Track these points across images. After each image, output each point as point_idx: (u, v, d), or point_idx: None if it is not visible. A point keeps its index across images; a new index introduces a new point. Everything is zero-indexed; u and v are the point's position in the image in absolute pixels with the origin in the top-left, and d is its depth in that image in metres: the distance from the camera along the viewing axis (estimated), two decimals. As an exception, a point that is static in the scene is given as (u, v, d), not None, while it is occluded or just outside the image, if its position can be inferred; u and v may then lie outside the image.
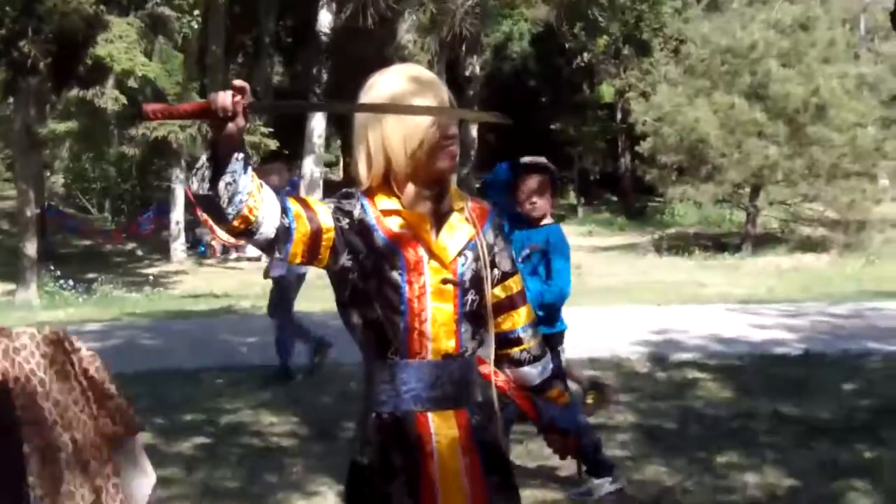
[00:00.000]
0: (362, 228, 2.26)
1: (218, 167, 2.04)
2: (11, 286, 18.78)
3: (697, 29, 25.94)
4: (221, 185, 2.04)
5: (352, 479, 2.35)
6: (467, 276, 2.32)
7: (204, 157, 2.07)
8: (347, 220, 2.26)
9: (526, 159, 4.72)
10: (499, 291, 2.42)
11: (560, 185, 4.82)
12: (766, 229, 24.78)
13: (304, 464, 5.60)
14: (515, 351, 2.47)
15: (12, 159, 19.18)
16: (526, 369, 2.49)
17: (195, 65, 26.11)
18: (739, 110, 22.50)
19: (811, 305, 12.35)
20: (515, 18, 34.90)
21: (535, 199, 4.60)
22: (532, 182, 4.61)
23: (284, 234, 2.17)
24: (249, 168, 2.08)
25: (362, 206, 2.28)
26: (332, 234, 2.23)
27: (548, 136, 32.96)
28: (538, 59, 36.09)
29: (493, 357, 2.42)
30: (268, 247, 2.19)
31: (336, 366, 8.22)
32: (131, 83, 20.35)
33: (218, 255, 24.97)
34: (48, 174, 30.00)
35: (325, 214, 2.24)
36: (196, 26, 22.60)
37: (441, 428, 2.28)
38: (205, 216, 2.63)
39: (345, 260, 2.26)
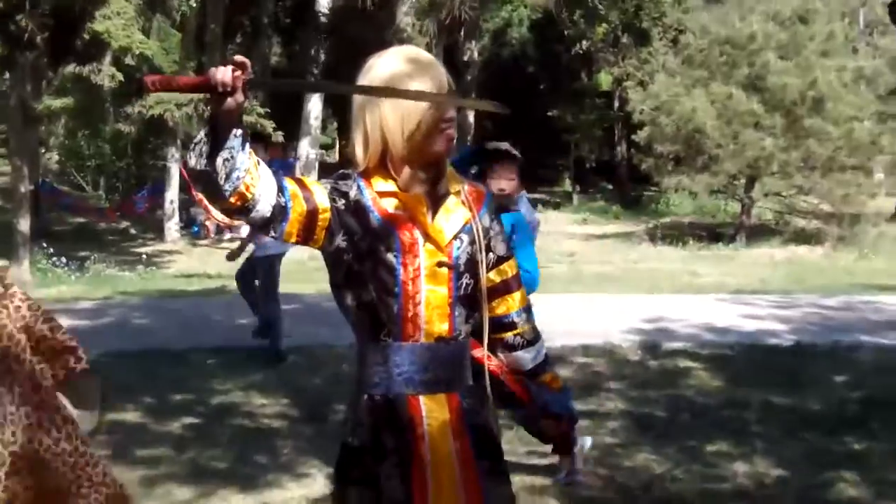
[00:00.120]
0: (358, 210, 2.26)
1: (216, 143, 2.03)
2: (4, 262, 18.71)
3: (696, 19, 25.89)
4: (219, 160, 2.03)
5: (342, 460, 2.35)
6: (462, 260, 2.31)
7: (202, 133, 2.06)
8: (343, 201, 2.25)
9: (491, 145, 4.68)
10: (493, 275, 2.42)
11: (524, 171, 4.76)
12: (760, 220, 24.80)
13: (294, 445, 5.61)
14: (509, 335, 2.47)
15: (7, 135, 19.08)
16: (519, 354, 2.49)
17: (193, 43, 25.95)
18: (737, 101, 22.48)
19: (804, 297, 12.37)
20: (515, 4, 34.77)
21: (502, 185, 4.55)
22: (499, 168, 4.56)
23: (280, 212, 2.16)
24: (247, 145, 2.08)
25: (359, 187, 2.28)
26: (328, 215, 2.23)
27: (545, 122, 32.87)
28: (537, 46, 35.96)
29: (486, 341, 2.41)
30: (263, 225, 2.18)
31: (328, 347, 8.23)
32: (128, 60, 20.25)
33: (212, 235, 24.87)
34: (43, 151, 29.84)
35: (321, 195, 2.24)
36: (194, 5, 22.49)
37: (433, 411, 2.28)
38: (199, 196, 2.60)
39: (340, 241, 2.25)
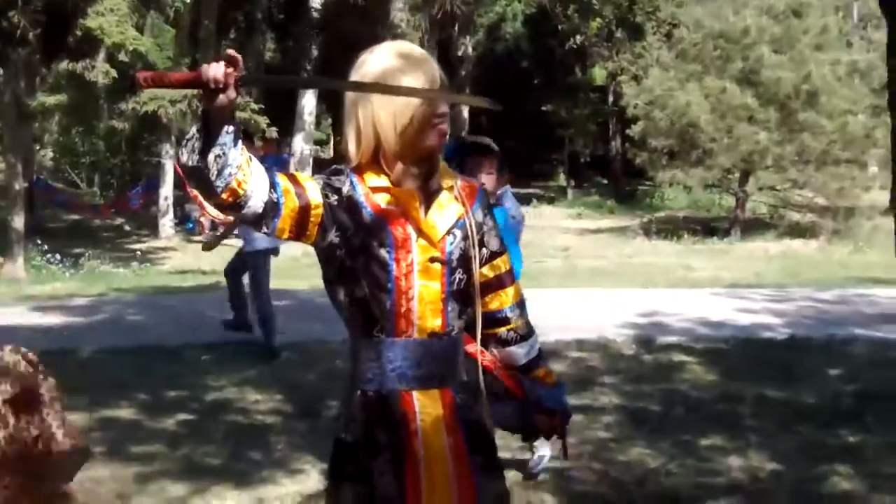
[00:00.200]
0: (351, 205, 2.25)
1: (208, 139, 2.02)
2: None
3: (690, 13, 25.94)
4: (211, 157, 2.03)
5: (336, 456, 2.35)
6: (455, 255, 2.31)
7: (194, 129, 2.06)
8: (336, 197, 2.25)
9: (470, 138, 4.66)
10: (487, 270, 2.41)
11: (504, 165, 4.73)
12: (755, 214, 24.85)
13: (288, 441, 5.61)
14: (503, 330, 2.47)
15: (1, 132, 19.05)
16: (513, 349, 2.48)
17: (187, 40, 25.91)
18: (731, 95, 22.52)
19: (798, 291, 12.39)
20: (508, -1, 34.83)
21: (482, 179, 4.51)
22: (479, 162, 4.53)
23: (272, 209, 2.16)
24: (239, 141, 2.07)
25: (351, 182, 2.27)
26: (320, 211, 2.22)
27: (539, 117, 32.89)
28: (531, 41, 35.95)
29: (479, 336, 2.41)
30: (255, 221, 2.18)
31: (322, 343, 8.22)
32: (122, 57, 20.23)
33: (206, 231, 24.89)
34: (37, 147, 29.80)
35: (314, 190, 2.23)
36: (188, 1, 22.45)
37: (426, 406, 2.28)
38: (194, 192, 2.60)
39: (333, 236, 2.25)
